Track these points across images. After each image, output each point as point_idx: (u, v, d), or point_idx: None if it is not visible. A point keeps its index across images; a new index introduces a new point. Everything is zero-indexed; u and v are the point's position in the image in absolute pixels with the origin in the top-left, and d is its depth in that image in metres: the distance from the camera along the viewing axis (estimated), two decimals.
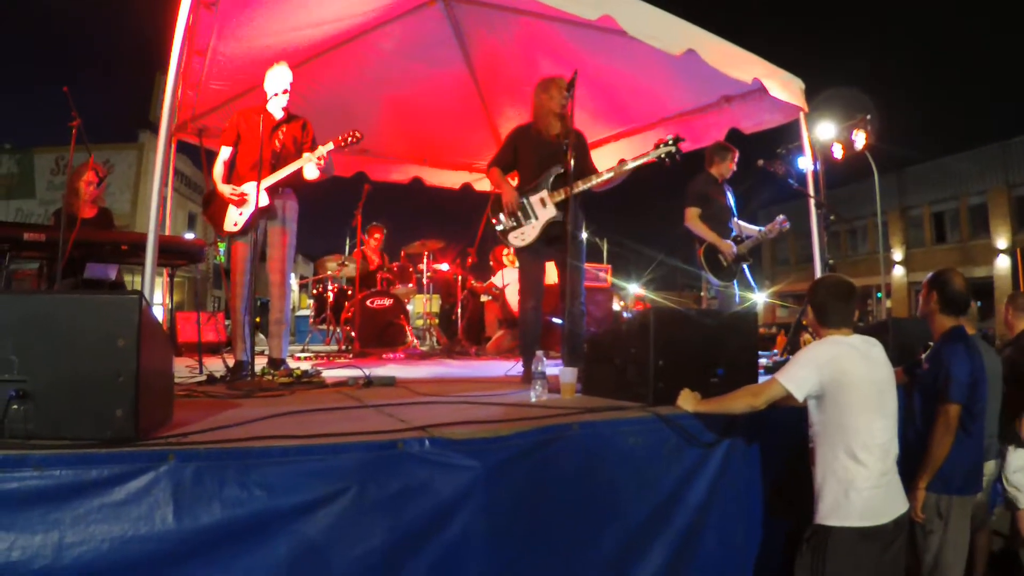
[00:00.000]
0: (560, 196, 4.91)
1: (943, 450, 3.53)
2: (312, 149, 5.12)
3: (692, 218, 6.64)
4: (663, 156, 4.73)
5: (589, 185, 4.88)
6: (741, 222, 6.84)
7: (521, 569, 2.76)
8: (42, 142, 28.69)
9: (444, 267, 10.03)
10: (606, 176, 4.84)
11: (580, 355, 4.46)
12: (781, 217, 6.59)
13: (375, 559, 2.44)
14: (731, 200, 6.88)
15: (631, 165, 4.85)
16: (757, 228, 6.76)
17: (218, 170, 5.17)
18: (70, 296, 2.78)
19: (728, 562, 3.49)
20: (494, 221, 5.22)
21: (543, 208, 5.01)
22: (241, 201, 4.98)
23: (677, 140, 4.75)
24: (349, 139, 5.03)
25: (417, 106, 8.85)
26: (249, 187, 4.94)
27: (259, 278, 5.23)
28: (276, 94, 5.13)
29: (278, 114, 5.20)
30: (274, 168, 5.02)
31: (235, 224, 5.04)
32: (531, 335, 5.04)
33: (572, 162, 4.78)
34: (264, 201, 4.89)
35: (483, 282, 9.81)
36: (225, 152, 5.18)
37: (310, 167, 5.03)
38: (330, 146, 4.98)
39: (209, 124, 7.80)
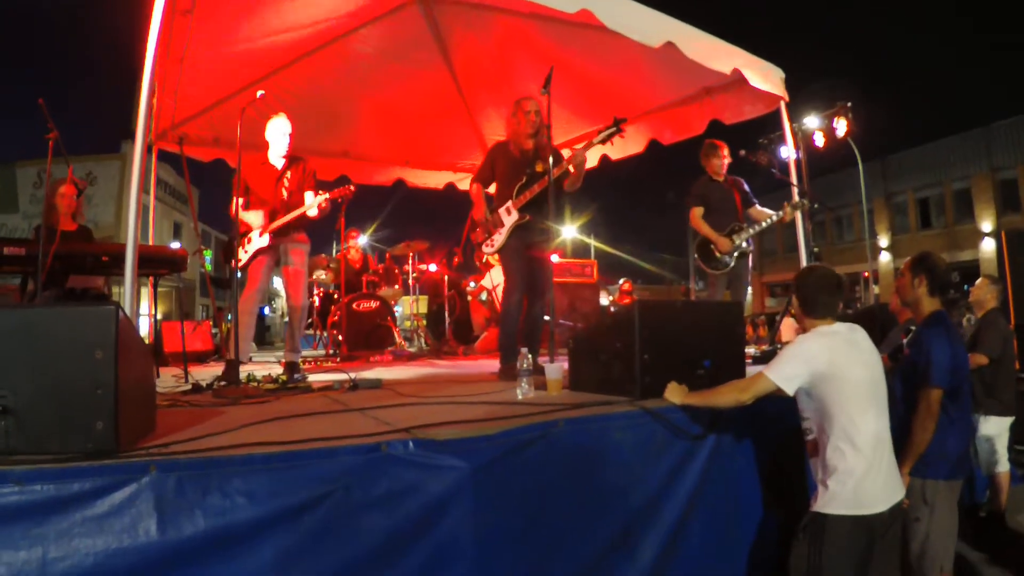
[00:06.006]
0: (522, 201, 5.24)
1: (926, 435, 3.52)
2: (312, 187, 5.65)
3: (694, 217, 6.95)
4: (605, 139, 5.22)
5: (544, 187, 5.13)
6: (761, 208, 6.85)
7: (510, 568, 2.75)
8: (24, 156, 28.50)
9: (432, 268, 10.01)
10: (556, 173, 5.11)
11: (536, 351, 4.88)
12: (797, 200, 6.69)
13: (362, 563, 2.43)
14: (737, 193, 6.96)
15: (584, 155, 5.22)
16: (771, 213, 6.77)
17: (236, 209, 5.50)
18: (47, 309, 2.76)
19: (719, 553, 3.48)
20: (472, 238, 5.65)
21: (508, 216, 5.33)
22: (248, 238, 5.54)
23: (618, 121, 5.17)
24: (345, 195, 5.56)
25: (398, 107, 8.83)
26: (255, 233, 5.50)
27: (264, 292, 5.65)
28: (277, 146, 5.59)
29: (279, 163, 5.64)
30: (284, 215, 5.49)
31: (240, 261, 5.46)
32: (513, 329, 5.25)
33: (541, 167, 5.11)
34: (266, 242, 5.45)
35: (470, 281, 9.80)
36: (239, 200, 5.49)
37: (312, 210, 5.45)
38: (326, 196, 5.44)
39: (189, 132, 7.76)
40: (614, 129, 5.16)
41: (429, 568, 2.54)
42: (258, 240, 5.47)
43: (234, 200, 5.36)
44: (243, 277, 5.49)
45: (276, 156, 5.62)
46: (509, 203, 5.31)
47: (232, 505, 2.28)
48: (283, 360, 5.73)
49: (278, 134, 5.58)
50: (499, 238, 5.35)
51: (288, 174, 5.60)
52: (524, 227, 5.27)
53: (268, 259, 5.53)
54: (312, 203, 5.44)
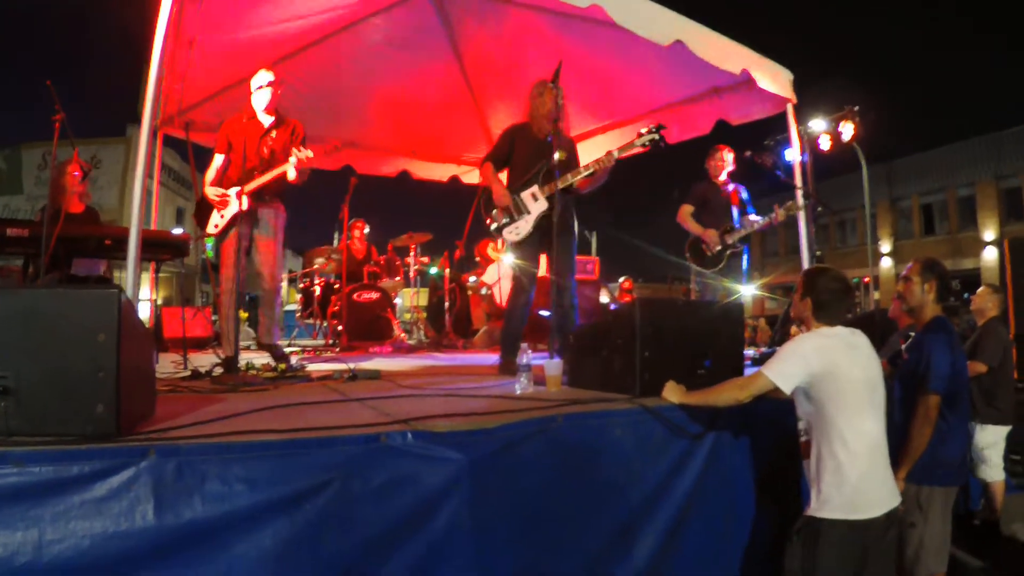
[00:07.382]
0: (551, 189, 5.01)
1: (922, 441, 3.52)
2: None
3: (681, 215, 7.09)
4: (647, 143, 4.98)
5: (578, 177, 5.01)
6: (755, 217, 6.86)
7: (506, 562, 2.75)
8: (29, 137, 28.49)
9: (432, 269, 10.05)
10: (593, 167, 4.97)
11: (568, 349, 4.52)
12: (791, 203, 6.67)
13: (359, 552, 2.44)
14: (736, 198, 7.05)
15: (617, 155, 4.98)
16: (758, 218, 6.79)
17: (210, 175, 5.26)
18: (50, 291, 2.76)
19: (715, 553, 3.49)
20: (487, 220, 5.33)
21: (535, 202, 5.11)
22: (223, 203, 5.08)
23: (659, 128, 4.98)
24: (330, 149, 5.15)
25: (405, 98, 8.80)
26: (232, 191, 5.06)
27: (248, 274, 5.28)
28: (259, 99, 5.23)
29: (266, 121, 5.27)
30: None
31: (215, 226, 5.16)
32: (516, 328, 5.16)
33: (558, 156, 4.88)
34: (244, 205, 4.98)
35: (471, 276, 9.80)
36: (218, 159, 5.27)
37: (291, 171, 5.02)
38: (309, 153, 4.96)
39: (196, 118, 7.71)
40: (656, 136, 4.99)
41: (427, 558, 2.54)
42: (233, 203, 5.03)
43: (214, 158, 5.25)
44: (217, 258, 5.23)
45: (261, 111, 5.25)
46: (534, 188, 5.10)
47: (231, 492, 2.29)
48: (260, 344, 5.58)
49: (259, 86, 5.22)
50: (525, 226, 5.11)
51: (273, 133, 5.24)
52: (550, 218, 4.98)
53: (243, 230, 5.06)
54: (291, 162, 4.95)
